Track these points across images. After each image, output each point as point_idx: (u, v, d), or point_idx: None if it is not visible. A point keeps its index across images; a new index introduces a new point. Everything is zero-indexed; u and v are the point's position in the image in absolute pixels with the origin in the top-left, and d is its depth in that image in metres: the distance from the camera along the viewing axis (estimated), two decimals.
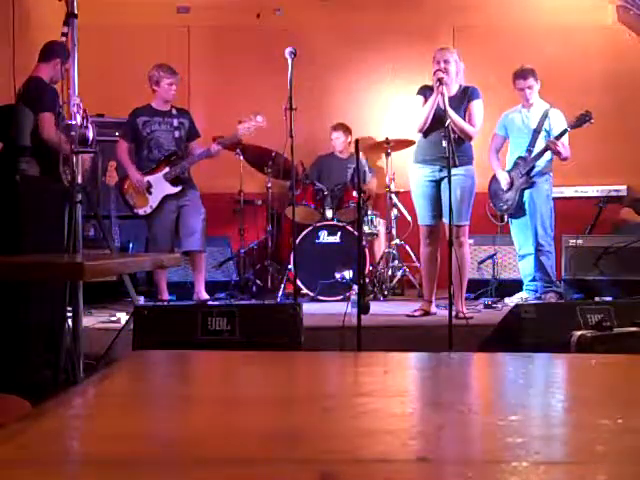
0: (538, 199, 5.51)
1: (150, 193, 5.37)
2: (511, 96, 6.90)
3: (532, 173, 5.52)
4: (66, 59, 4.41)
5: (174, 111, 5.51)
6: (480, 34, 7.33)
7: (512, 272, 6.18)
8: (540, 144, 5.52)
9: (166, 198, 5.38)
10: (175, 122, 5.47)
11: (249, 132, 5.47)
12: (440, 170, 4.80)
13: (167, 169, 5.38)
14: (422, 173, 4.93)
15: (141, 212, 5.42)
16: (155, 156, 5.42)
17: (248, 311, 3.78)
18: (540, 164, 5.52)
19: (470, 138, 4.85)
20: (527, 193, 5.55)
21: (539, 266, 5.49)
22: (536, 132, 5.54)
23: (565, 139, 5.48)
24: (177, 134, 5.47)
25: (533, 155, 5.51)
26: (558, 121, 5.55)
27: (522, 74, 5.59)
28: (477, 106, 4.88)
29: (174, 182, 5.38)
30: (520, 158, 5.57)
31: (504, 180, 5.60)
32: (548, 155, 5.52)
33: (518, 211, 5.61)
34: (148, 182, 5.37)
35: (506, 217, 5.79)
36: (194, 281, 5.52)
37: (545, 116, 5.55)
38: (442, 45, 5.14)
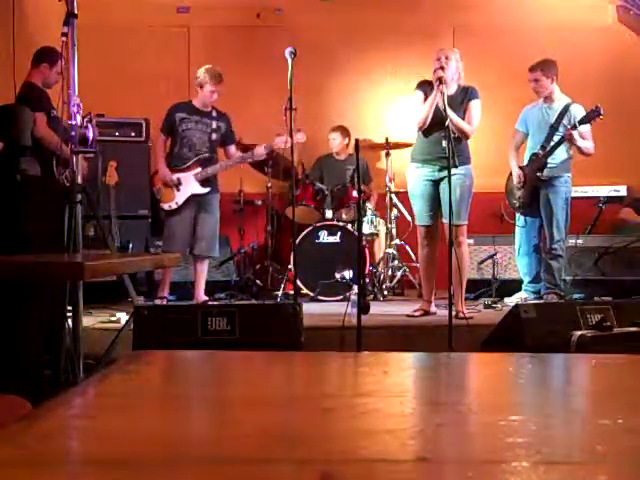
0: (555, 202, 5.37)
1: (178, 190, 5.38)
2: (511, 95, 6.91)
3: (545, 170, 5.38)
4: (54, 62, 4.43)
5: (214, 113, 5.50)
6: (480, 34, 7.33)
7: (512, 272, 6.17)
8: (556, 140, 5.40)
9: (192, 197, 5.39)
10: (213, 124, 5.47)
11: (285, 145, 5.43)
12: (440, 170, 4.80)
13: (199, 169, 5.38)
14: (421, 173, 4.93)
15: (166, 207, 5.42)
16: (185, 154, 5.41)
17: (248, 311, 3.78)
18: (555, 162, 5.38)
19: (467, 137, 4.86)
20: (543, 194, 5.41)
21: (547, 268, 5.40)
22: (552, 128, 5.42)
23: (588, 134, 5.36)
24: (213, 136, 5.47)
25: (546, 151, 5.39)
26: (578, 115, 5.40)
27: (532, 66, 5.50)
28: (475, 106, 4.89)
29: (203, 183, 5.39)
30: (534, 155, 5.47)
31: (516, 176, 5.52)
32: (564, 154, 5.40)
33: (530, 209, 5.51)
34: (178, 179, 5.37)
35: (518, 214, 5.68)
36: (195, 283, 5.51)
37: (565, 111, 5.42)
38: (435, 45, 5.13)
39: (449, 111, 4.62)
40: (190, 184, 5.38)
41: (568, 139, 5.29)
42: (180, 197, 5.38)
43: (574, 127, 5.29)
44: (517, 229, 5.68)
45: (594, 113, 5.25)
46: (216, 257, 5.75)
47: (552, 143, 5.40)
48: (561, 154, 5.42)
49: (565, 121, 5.42)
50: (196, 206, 5.40)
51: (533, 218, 5.55)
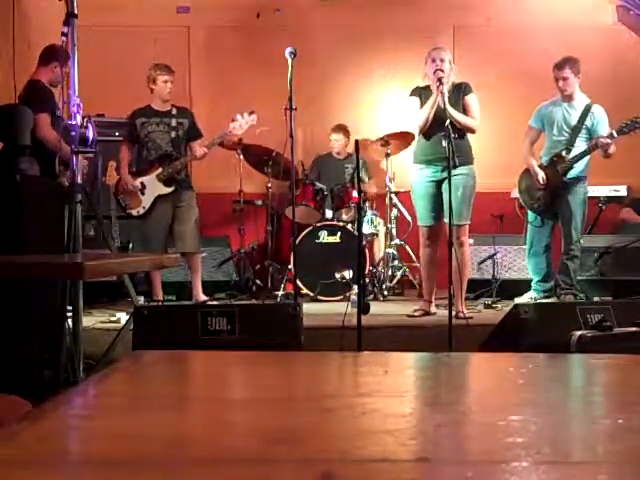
0: (574, 204, 5.32)
1: (143, 194, 5.35)
2: (511, 95, 6.90)
3: (569, 174, 5.33)
4: (64, 62, 4.42)
5: (174, 111, 5.48)
6: (480, 34, 7.33)
7: (512, 272, 6.17)
8: (579, 143, 5.34)
9: (159, 198, 5.36)
10: (173, 122, 5.44)
11: (241, 130, 5.44)
12: (442, 170, 4.81)
13: (160, 169, 5.35)
14: (423, 174, 4.94)
15: (134, 213, 5.39)
16: (152, 157, 5.40)
17: (248, 311, 3.78)
18: (579, 166, 5.33)
19: (473, 131, 4.87)
20: (563, 196, 5.35)
21: (564, 269, 5.37)
22: (576, 129, 5.35)
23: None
24: (174, 134, 5.44)
25: (572, 155, 5.31)
26: (601, 117, 5.35)
27: (559, 64, 5.38)
28: (473, 99, 4.92)
29: (167, 182, 5.36)
30: (558, 156, 5.37)
31: (541, 178, 5.38)
32: (586, 157, 5.33)
33: (548, 210, 5.46)
34: (141, 183, 5.34)
35: (531, 213, 5.58)
36: (192, 282, 5.50)
37: (587, 112, 5.36)
38: (436, 45, 5.13)
39: (451, 110, 4.65)
40: (154, 186, 5.34)
41: (604, 149, 5.21)
42: (146, 201, 5.35)
43: (611, 136, 5.20)
44: (530, 228, 5.60)
45: (635, 124, 5.17)
46: (201, 253, 5.68)
47: (576, 146, 5.32)
48: (585, 157, 5.35)
49: (588, 123, 5.35)
50: (170, 207, 5.35)
51: (549, 219, 5.52)
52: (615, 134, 5.22)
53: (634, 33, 7.39)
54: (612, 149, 5.28)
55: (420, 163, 4.97)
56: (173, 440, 0.75)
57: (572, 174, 5.37)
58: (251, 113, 5.41)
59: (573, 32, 7.26)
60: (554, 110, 5.49)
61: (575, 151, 5.34)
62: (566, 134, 5.40)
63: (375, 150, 6.37)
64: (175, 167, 5.35)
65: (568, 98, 5.44)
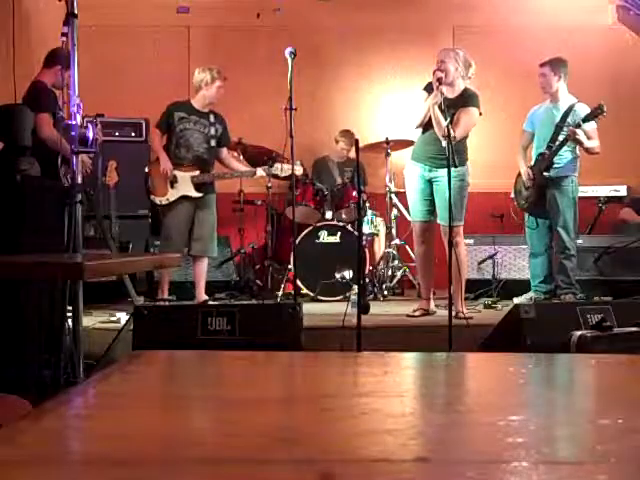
0: (562, 201, 5.34)
1: (172, 187, 5.36)
2: (511, 95, 6.90)
3: (551, 170, 5.35)
4: (67, 66, 4.42)
5: (212, 115, 5.50)
6: (480, 34, 7.33)
7: (513, 272, 6.17)
8: (561, 139, 5.36)
9: (184, 198, 5.38)
10: (211, 126, 5.47)
11: (284, 174, 5.51)
12: (430, 170, 4.83)
13: (197, 172, 5.37)
14: (415, 170, 4.95)
15: (157, 201, 5.39)
16: (182, 154, 5.39)
17: (248, 311, 3.78)
18: (561, 162, 5.35)
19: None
20: (550, 195, 5.38)
21: (561, 269, 5.38)
22: (558, 127, 5.37)
23: (594, 132, 5.32)
24: (209, 136, 5.47)
25: (552, 150, 5.35)
26: (583, 113, 5.35)
27: (542, 62, 5.47)
28: (468, 112, 4.79)
29: (198, 187, 5.37)
30: (540, 154, 5.43)
31: (526, 176, 5.46)
32: (570, 154, 5.37)
33: (538, 209, 5.47)
34: (175, 176, 5.35)
35: (526, 215, 5.61)
36: (195, 283, 5.51)
37: (570, 110, 5.39)
38: (436, 45, 5.13)
39: (438, 113, 4.60)
40: (185, 185, 5.35)
41: (572, 138, 5.26)
42: (172, 195, 5.35)
43: (578, 126, 5.25)
44: (527, 230, 5.62)
45: (597, 111, 5.22)
46: (214, 257, 5.74)
47: (557, 142, 5.37)
48: (567, 154, 5.38)
49: (570, 120, 5.37)
50: (193, 206, 5.38)
51: (543, 219, 5.52)
52: (581, 122, 5.26)
53: (634, 33, 7.39)
54: (587, 142, 5.29)
55: (413, 160, 4.98)
56: (173, 440, 0.75)
57: (556, 171, 5.39)
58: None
59: (573, 32, 7.26)
60: (540, 112, 5.58)
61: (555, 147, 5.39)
62: (549, 132, 5.45)
63: (375, 152, 6.38)
64: (212, 177, 5.43)
65: (552, 98, 5.51)
